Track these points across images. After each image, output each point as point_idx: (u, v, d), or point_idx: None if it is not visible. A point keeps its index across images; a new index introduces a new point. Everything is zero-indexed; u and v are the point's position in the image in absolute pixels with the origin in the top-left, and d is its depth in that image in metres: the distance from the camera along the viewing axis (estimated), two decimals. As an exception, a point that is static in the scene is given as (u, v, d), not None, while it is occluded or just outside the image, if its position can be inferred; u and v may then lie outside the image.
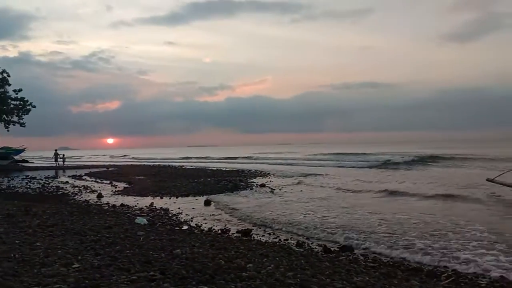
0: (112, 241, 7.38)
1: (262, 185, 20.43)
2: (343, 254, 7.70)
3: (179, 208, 13.79)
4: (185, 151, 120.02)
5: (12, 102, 45.41)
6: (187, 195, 17.20)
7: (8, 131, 46.07)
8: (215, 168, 36.47)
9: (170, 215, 12.38)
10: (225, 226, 10.65)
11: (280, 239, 9.13)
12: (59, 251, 6.25)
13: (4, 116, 45.20)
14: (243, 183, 21.60)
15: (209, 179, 24.63)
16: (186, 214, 12.53)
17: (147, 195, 17.38)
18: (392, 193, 16.06)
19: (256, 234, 9.58)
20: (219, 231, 9.89)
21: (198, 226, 10.61)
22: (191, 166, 43.70)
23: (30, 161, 57.30)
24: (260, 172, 30.16)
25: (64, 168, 40.74)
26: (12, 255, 5.78)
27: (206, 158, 64.62)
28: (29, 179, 26.44)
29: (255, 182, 22.39)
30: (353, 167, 34.59)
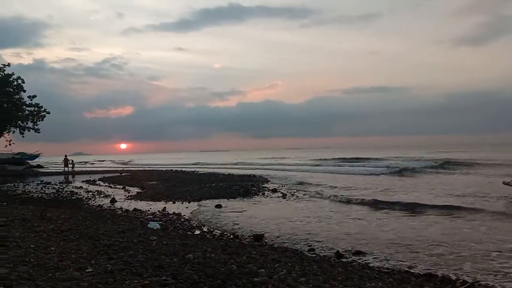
0: (125, 245, 7.45)
1: (274, 190, 20.40)
2: (357, 260, 7.63)
3: (191, 212, 13.83)
4: (197, 156, 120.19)
5: (27, 108, 46.12)
6: (199, 200, 17.25)
7: (23, 137, 46.77)
8: (227, 173, 36.53)
9: (182, 219, 12.42)
10: (237, 231, 10.64)
11: (292, 244, 9.08)
12: (73, 256, 6.33)
13: (19, 122, 45.94)
14: (255, 188, 21.59)
15: (221, 184, 24.68)
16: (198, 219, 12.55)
17: (160, 200, 17.48)
18: (407, 205, 13.92)
19: (268, 239, 9.55)
20: (231, 236, 9.90)
21: (210, 231, 10.64)
22: (203, 171, 43.81)
23: (44, 166, 58.08)
24: (272, 177, 30.07)
25: (74, 174, 41.17)
26: (27, 259, 5.88)
27: (217, 163, 64.67)
28: (44, 184, 26.83)
29: (266, 187, 22.36)
30: (372, 174, 31.89)
